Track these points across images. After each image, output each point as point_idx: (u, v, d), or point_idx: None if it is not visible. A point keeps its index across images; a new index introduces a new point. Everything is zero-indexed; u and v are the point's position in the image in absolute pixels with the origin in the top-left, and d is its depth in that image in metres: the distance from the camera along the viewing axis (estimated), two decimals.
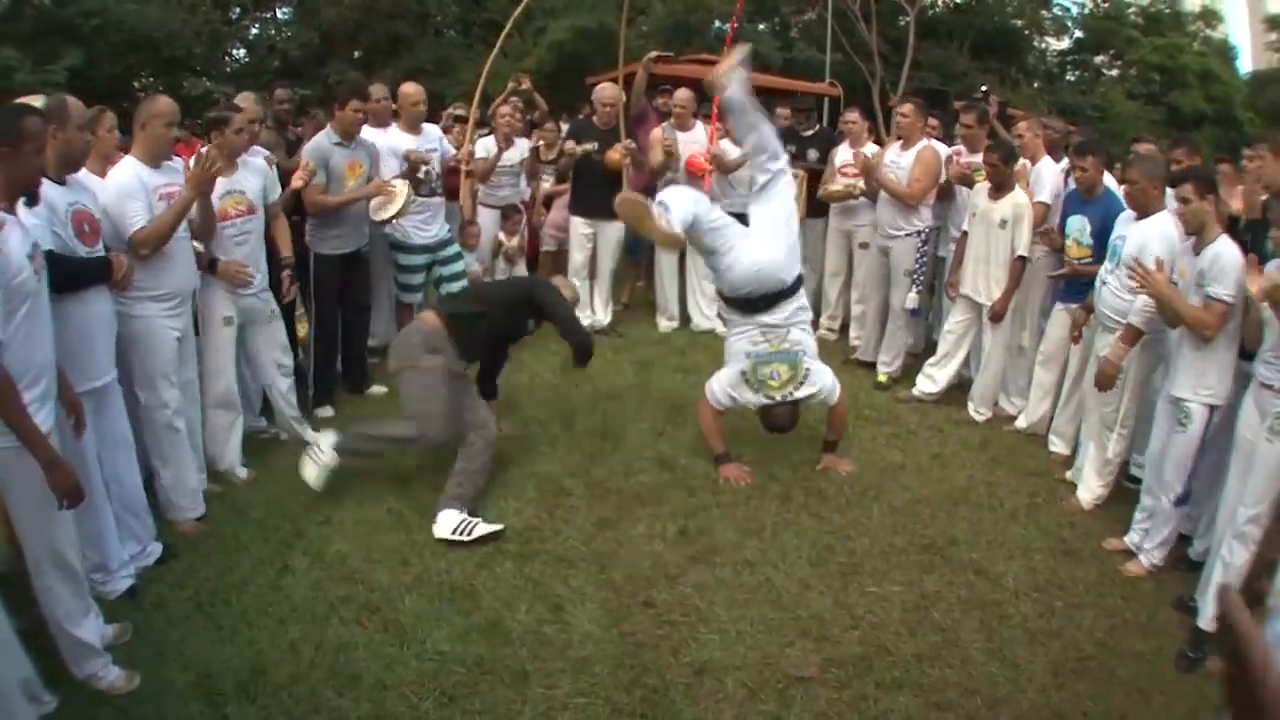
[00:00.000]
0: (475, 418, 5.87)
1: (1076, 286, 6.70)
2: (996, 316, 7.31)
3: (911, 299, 8.18)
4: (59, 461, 3.61)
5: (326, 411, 7.14)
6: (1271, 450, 4.50)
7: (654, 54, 9.70)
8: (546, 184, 9.99)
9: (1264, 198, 5.44)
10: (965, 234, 7.55)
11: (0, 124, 3.64)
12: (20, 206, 3.77)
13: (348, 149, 7.08)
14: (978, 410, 7.64)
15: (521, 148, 9.40)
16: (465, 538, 5.23)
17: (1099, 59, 38.41)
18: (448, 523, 5.31)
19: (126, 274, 4.64)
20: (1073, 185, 7.17)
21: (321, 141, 7.04)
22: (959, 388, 7.99)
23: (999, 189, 7.21)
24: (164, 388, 5.07)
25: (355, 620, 4.45)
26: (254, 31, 30.15)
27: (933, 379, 7.88)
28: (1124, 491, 6.16)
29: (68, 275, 4.19)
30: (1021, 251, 7.10)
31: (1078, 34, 38.05)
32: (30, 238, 3.67)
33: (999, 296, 7.25)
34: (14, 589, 3.81)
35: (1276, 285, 4.39)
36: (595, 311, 9.62)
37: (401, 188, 7.30)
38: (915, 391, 7.99)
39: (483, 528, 5.29)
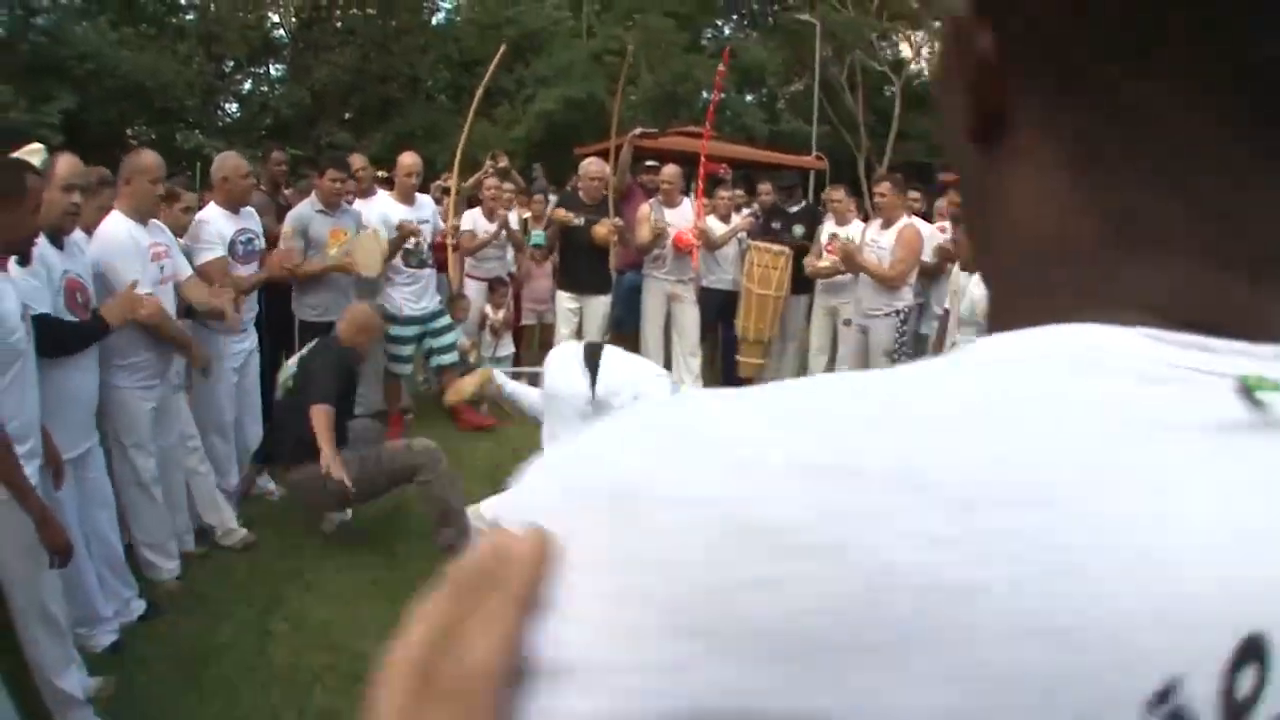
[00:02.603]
0: None
1: None
2: None
3: None
4: (51, 518, 3.67)
5: None
6: None
7: (638, 130, 9.82)
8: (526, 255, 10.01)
9: None
10: (948, 312, 7.61)
11: (3, 178, 3.70)
12: (12, 265, 3.83)
13: (331, 217, 7.13)
14: None
15: (509, 220, 9.44)
16: None
17: None
18: None
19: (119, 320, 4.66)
20: None
21: (304, 209, 7.11)
22: None
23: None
24: (138, 455, 5.07)
25: (338, 689, 4.43)
26: (246, 87, 30.44)
27: None
28: None
29: (58, 340, 4.22)
30: None
31: None
32: (20, 298, 3.74)
33: None
34: None
35: None
36: None
37: (378, 247, 7.37)
38: None
39: None
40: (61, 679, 3.92)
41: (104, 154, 5.24)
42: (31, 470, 3.70)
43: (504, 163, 10.09)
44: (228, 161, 6.38)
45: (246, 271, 6.31)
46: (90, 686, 4.14)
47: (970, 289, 6.16)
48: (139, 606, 4.99)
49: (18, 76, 20.59)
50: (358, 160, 8.01)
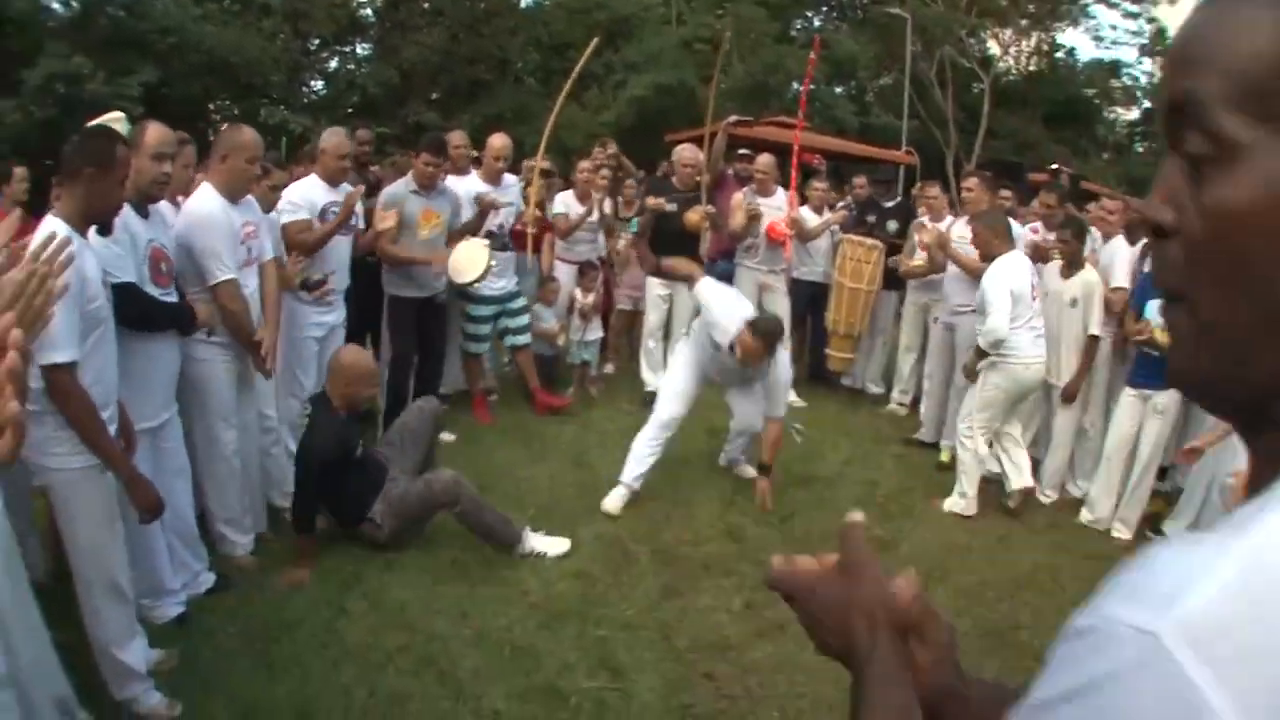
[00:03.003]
0: None
1: (1148, 370, 6.55)
2: (1070, 396, 7.21)
3: None
4: (140, 477, 3.72)
5: None
6: None
7: (734, 118, 9.71)
8: (622, 241, 9.92)
9: None
10: None
11: (95, 146, 3.67)
12: (93, 235, 3.79)
13: (424, 198, 7.15)
14: (1044, 492, 7.46)
15: (603, 204, 9.41)
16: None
17: None
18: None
19: (205, 323, 4.68)
20: (1149, 267, 7.04)
21: (398, 188, 7.16)
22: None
23: (1069, 267, 7.17)
24: (221, 429, 5.06)
25: (411, 670, 4.40)
26: (333, 65, 30.61)
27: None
28: None
29: (142, 312, 4.21)
30: (1094, 330, 7.03)
31: (1147, 104, 37.89)
32: (101, 265, 3.72)
33: (1072, 377, 7.17)
34: (55, 601, 3.79)
35: None
36: None
37: (482, 254, 7.34)
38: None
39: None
40: (124, 651, 3.89)
41: (187, 127, 5.19)
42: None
43: (612, 148, 10.06)
44: (330, 139, 6.47)
45: (340, 248, 6.41)
46: (152, 659, 4.11)
47: (982, 284, 6.59)
48: (208, 580, 4.97)
49: (95, 50, 20.70)
50: (456, 138, 8.00)
